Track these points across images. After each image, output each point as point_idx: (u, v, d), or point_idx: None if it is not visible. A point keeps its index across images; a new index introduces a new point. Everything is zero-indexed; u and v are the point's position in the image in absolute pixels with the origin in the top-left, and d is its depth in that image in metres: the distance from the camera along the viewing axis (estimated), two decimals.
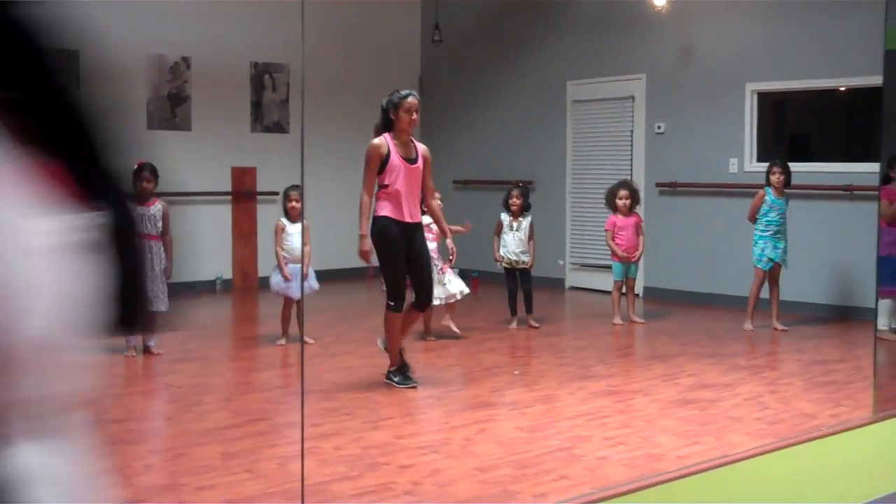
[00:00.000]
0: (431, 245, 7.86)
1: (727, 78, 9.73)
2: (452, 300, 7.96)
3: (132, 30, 10.44)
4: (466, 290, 8.08)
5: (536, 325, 8.55)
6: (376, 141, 6.20)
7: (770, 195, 8.32)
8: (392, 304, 6.22)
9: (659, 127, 10.35)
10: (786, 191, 8.36)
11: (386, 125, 6.28)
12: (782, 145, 10.19)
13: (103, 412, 5.68)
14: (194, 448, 4.92)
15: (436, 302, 7.89)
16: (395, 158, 6.16)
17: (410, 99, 6.25)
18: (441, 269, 7.95)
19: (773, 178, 8.30)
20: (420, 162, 6.33)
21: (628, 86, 10.52)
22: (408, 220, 6.18)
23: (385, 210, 6.15)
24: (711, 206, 9.89)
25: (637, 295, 9.51)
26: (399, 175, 6.14)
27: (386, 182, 6.14)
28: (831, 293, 9.09)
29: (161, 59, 10.75)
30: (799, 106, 10.08)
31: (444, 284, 7.85)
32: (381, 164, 6.13)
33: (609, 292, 9.03)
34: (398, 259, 6.20)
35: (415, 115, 6.27)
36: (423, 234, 6.39)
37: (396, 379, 6.22)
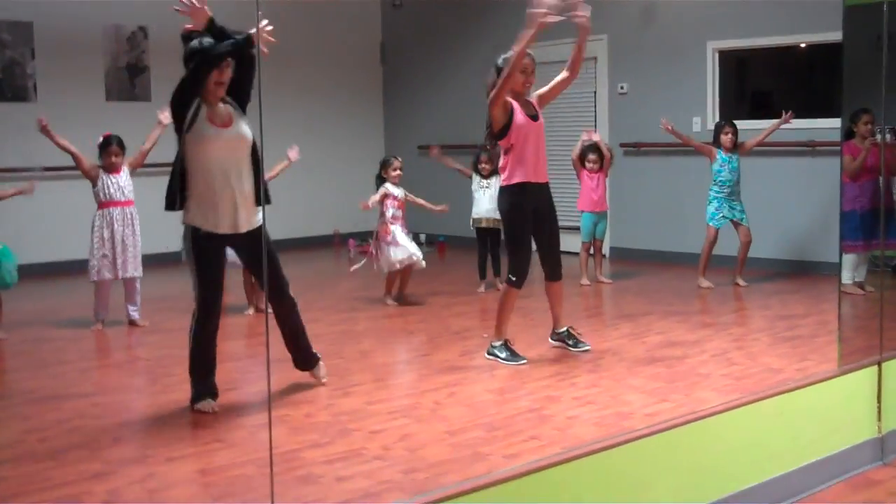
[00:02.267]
0: (398, 212, 7.88)
1: (688, 37, 9.74)
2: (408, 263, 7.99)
3: (87, 0, 10.29)
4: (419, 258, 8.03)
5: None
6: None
7: (720, 154, 8.37)
8: (514, 279, 5.96)
9: (622, 87, 10.34)
10: (741, 148, 8.43)
11: None
12: (745, 103, 10.22)
13: (70, 386, 5.64)
14: (163, 420, 4.91)
15: (418, 257, 7.94)
16: (520, 117, 5.87)
17: (526, 59, 5.94)
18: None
19: (725, 139, 8.36)
20: (541, 118, 6.05)
21: (590, 47, 10.43)
22: (537, 180, 5.92)
23: (514, 176, 5.87)
24: (675, 165, 9.91)
25: (604, 255, 9.55)
26: (526, 133, 5.86)
27: (512, 142, 5.85)
28: (794, 249, 9.16)
29: (117, 30, 10.60)
30: (760, 63, 10.10)
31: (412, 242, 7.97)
32: (505, 122, 5.85)
33: (576, 254, 9.04)
34: (524, 234, 5.96)
35: (531, 76, 5.97)
36: (550, 197, 6.08)
37: (503, 355, 5.96)
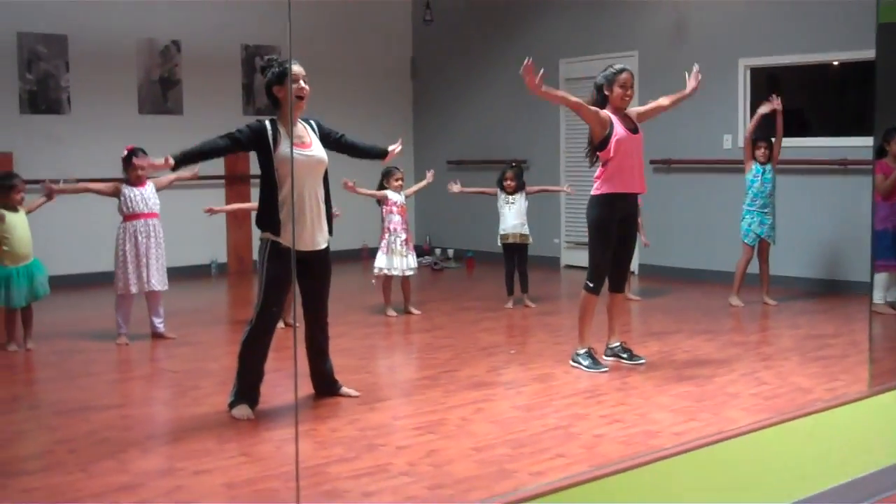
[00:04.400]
0: (398, 218, 8.01)
1: (720, 54, 9.70)
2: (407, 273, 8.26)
3: (121, 14, 10.40)
4: (414, 269, 8.30)
5: (532, 304, 8.55)
6: (602, 112, 6.05)
7: (756, 165, 8.31)
8: (592, 285, 6.14)
9: None
10: (778, 165, 8.37)
11: (600, 102, 6.12)
12: (776, 120, 10.14)
13: (99, 398, 5.67)
14: (190, 432, 4.92)
15: (408, 273, 8.20)
16: (621, 129, 6.02)
17: (625, 74, 6.09)
18: (405, 240, 8.17)
19: (759, 153, 8.30)
20: (640, 131, 6.23)
21: (621, 63, 10.45)
22: (632, 190, 6.12)
23: (609, 186, 6.02)
24: (706, 182, 9.87)
25: (632, 272, 9.50)
26: (626, 146, 6.02)
27: (612, 154, 5.99)
28: (824, 267, 9.09)
29: (151, 44, 10.69)
30: (792, 81, 10.04)
31: (405, 256, 8.14)
32: (603, 136, 5.99)
33: None
34: (608, 242, 6.10)
35: (630, 91, 6.11)
36: (637, 207, 6.27)
37: (585, 363, 6.12)
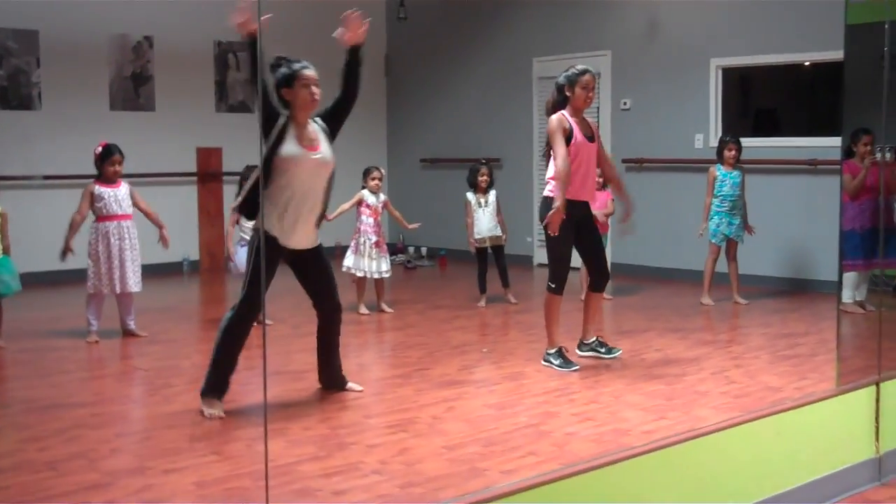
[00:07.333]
0: (370, 220, 7.98)
1: (692, 54, 9.76)
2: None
3: (93, 9, 10.34)
4: (386, 272, 8.25)
5: (515, 300, 8.55)
6: (556, 117, 5.99)
7: (720, 170, 8.37)
8: (554, 286, 6.14)
9: (625, 103, 10.36)
10: (743, 165, 8.44)
11: (561, 103, 6.08)
12: (747, 120, 10.23)
13: (70, 396, 5.64)
14: (161, 431, 4.90)
15: (376, 276, 8.15)
16: (579, 136, 5.98)
17: (587, 76, 6.02)
18: (376, 242, 8.14)
19: (728, 154, 8.36)
20: (597, 139, 6.18)
21: (594, 62, 10.45)
22: (585, 197, 6.09)
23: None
24: (677, 181, 9.92)
25: None
26: (581, 153, 5.98)
27: (570, 158, 5.95)
28: (794, 267, 9.16)
29: (123, 39, 10.63)
30: (763, 81, 10.12)
31: (374, 259, 8.14)
32: (566, 139, 5.95)
33: (577, 269, 9.03)
34: (567, 242, 6.08)
35: (592, 93, 6.07)
36: (591, 213, 6.24)
37: (556, 362, 6.10)
